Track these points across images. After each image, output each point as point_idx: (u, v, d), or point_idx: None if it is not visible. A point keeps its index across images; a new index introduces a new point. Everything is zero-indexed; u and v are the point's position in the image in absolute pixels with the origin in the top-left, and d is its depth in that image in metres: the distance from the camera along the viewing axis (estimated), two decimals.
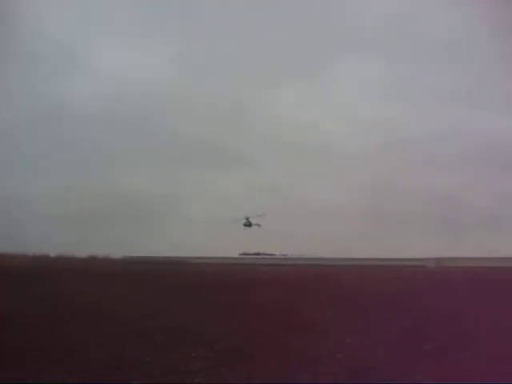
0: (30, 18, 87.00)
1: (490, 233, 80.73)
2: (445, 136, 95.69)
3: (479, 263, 55.91)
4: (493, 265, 53.47)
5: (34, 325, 11.51)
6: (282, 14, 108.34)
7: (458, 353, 8.92)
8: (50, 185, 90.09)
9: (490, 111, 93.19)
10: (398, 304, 17.33)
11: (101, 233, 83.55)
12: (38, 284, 24.14)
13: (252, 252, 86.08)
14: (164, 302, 16.64)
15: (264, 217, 73.11)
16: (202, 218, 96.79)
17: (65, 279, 28.21)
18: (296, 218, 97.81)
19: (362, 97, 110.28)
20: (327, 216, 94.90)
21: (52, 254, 64.78)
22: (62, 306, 15.23)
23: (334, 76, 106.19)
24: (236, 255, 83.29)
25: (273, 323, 12.27)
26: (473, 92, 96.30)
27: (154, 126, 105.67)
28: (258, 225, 74.63)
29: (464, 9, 77.79)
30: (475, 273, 41.16)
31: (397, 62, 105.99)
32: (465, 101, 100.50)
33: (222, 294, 20.66)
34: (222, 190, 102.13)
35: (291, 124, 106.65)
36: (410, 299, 19.13)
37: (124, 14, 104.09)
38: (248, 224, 75.08)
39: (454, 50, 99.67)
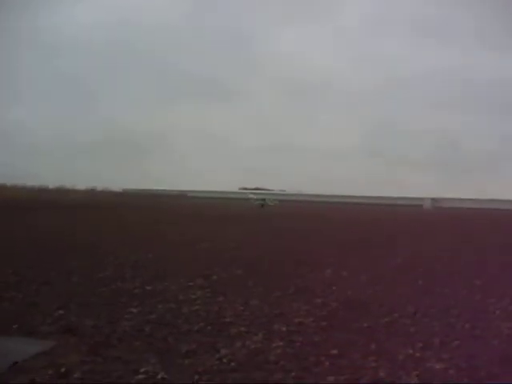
0: None
1: (488, 175, 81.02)
2: (445, 75, 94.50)
3: (475, 205, 56.38)
4: (488, 206, 53.91)
5: (27, 253, 11.66)
6: None
7: (448, 287, 9.14)
8: (49, 118, 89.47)
9: (492, 51, 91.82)
10: (394, 241, 17.61)
11: (100, 166, 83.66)
12: (35, 214, 24.33)
13: (251, 187, 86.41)
14: (161, 233, 16.83)
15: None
16: (201, 152, 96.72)
17: (63, 210, 28.37)
18: (295, 156, 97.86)
19: (363, 34, 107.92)
20: (326, 154, 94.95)
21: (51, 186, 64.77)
22: (58, 236, 15.38)
23: (335, 13, 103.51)
24: (235, 189, 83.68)
25: (268, 255, 12.46)
26: (474, 30, 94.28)
27: (153, 59, 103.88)
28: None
29: None
30: (469, 214, 41.55)
31: None
32: (467, 39, 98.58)
33: (218, 226, 20.92)
34: (221, 125, 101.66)
35: (292, 61, 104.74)
36: (406, 237, 19.44)
37: None
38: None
39: None
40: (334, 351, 5.44)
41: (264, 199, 57.98)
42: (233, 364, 5.01)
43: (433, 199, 65.01)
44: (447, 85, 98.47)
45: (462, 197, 62.97)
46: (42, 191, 47.20)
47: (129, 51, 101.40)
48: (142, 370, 4.77)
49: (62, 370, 4.69)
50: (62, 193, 48.21)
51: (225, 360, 5.11)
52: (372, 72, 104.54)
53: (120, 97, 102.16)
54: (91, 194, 54.92)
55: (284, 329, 6.25)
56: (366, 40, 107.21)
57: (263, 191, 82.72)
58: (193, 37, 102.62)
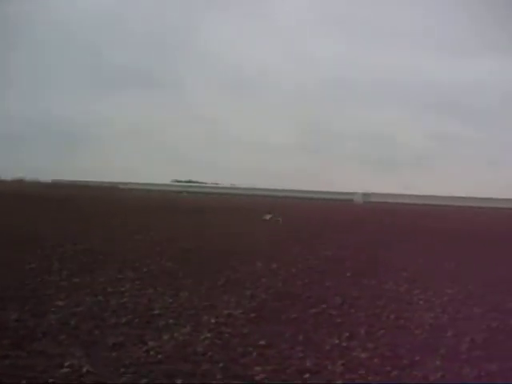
0: None
1: (418, 172, 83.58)
2: (383, 75, 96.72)
3: (405, 200, 57.97)
4: (417, 202, 55.54)
5: None
6: None
7: (375, 279, 9.40)
8: None
9: (428, 51, 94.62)
10: (323, 233, 17.90)
11: (29, 156, 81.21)
12: None
13: (184, 179, 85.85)
14: (90, 226, 16.49)
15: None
16: (134, 143, 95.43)
17: None
18: (230, 149, 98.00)
19: (301, 32, 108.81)
20: (261, 149, 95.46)
21: None
22: None
23: (274, 9, 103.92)
24: (168, 182, 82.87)
25: (200, 248, 12.43)
26: (415, 31, 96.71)
27: (83, 48, 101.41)
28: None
29: None
30: (398, 208, 42.73)
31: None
32: (406, 40, 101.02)
33: (150, 218, 20.68)
34: (154, 117, 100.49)
35: (228, 55, 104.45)
36: (335, 230, 19.79)
37: None
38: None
39: None
40: (262, 342, 5.50)
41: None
42: (160, 356, 4.98)
43: (364, 194, 66.31)
44: (384, 85, 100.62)
45: (393, 192, 64.63)
46: None
47: (61, 42, 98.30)
48: (67, 363, 4.68)
49: None
50: None
51: (152, 352, 5.07)
52: (308, 71, 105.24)
53: (53, 87, 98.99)
54: (18, 184, 53.34)
55: (213, 320, 6.26)
56: (302, 39, 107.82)
57: (196, 184, 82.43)
58: (127, 28, 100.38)
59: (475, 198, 57.32)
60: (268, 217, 23.56)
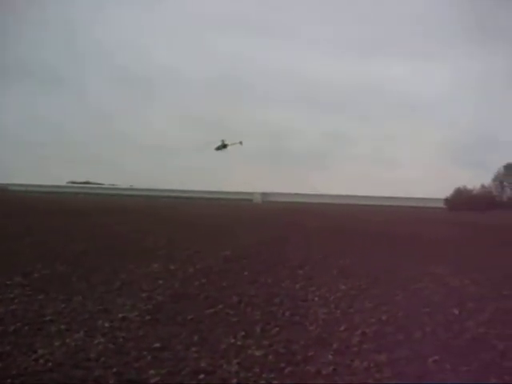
0: None
1: (317, 171, 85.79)
2: (280, 74, 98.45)
3: (301, 199, 59.42)
4: (313, 201, 57.10)
5: None
6: None
7: (272, 277, 9.58)
8: None
9: (326, 52, 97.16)
10: (221, 232, 18.00)
11: None
12: None
13: (80, 181, 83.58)
14: None
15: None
16: (29, 141, 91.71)
17: None
18: (126, 151, 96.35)
19: (198, 28, 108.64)
20: (160, 149, 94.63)
21: None
22: None
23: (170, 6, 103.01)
24: (63, 183, 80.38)
25: (96, 250, 12.11)
26: (314, 33, 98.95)
27: None
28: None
29: None
30: (295, 207, 43.72)
31: None
32: (304, 40, 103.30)
33: (43, 221, 19.93)
34: (48, 114, 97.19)
35: (125, 49, 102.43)
36: (233, 229, 19.95)
37: None
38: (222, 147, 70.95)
39: None
40: (157, 344, 5.45)
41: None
42: (50, 364, 4.82)
43: (263, 193, 67.34)
44: (281, 84, 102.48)
45: (290, 191, 65.97)
46: None
47: None
48: None
49: None
50: None
51: (41, 360, 4.91)
52: (206, 69, 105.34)
53: None
54: None
55: (107, 324, 6.13)
56: (200, 35, 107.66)
57: (93, 185, 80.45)
58: (27, 24, 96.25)
59: (371, 197, 59.80)
60: None
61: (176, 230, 18.49)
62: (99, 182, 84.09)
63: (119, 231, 17.11)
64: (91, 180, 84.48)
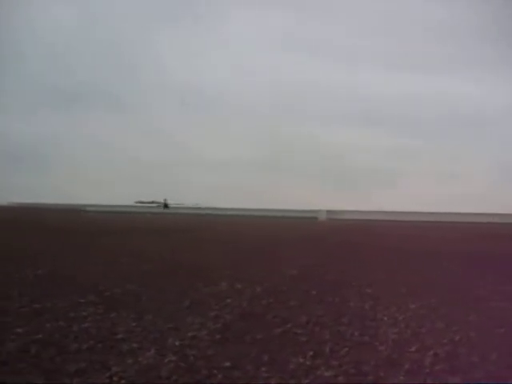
0: None
1: (379, 188, 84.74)
2: (342, 92, 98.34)
3: (366, 216, 58.67)
4: (379, 218, 56.29)
5: None
6: None
7: (339, 296, 9.47)
8: None
9: (387, 70, 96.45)
10: (288, 252, 17.95)
11: None
12: None
13: (147, 200, 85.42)
14: (50, 249, 16.22)
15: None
16: (96, 164, 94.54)
17: None
18: (190, 168, 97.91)
19: (250, 46, 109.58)
20: (222, 167, 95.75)
21: None
22: None
23: (223, 24, 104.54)
24: (131, 203, 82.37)
25: (163, 269, 12.34)
26: (361, 48, 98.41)
27: (32, 68, 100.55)
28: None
29: None
30: (361, 225, 43.18)
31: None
32: (351, 57, 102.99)
33: (112, 240, 20.46)
34: (111, 136, 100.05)
35: (182, 71, 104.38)
36: (299, 248, 19.87)
37: None
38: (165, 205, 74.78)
39: None
40: (227, 363, 5.46)
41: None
42: (123, 381, 4.91)
43: (328, 211, 66.85)
44: (335, 100, 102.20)
45: (355, 209, 65.37)
46: None
47: (13, 58, 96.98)
48: None
49: None
50: None
51: (115, 378, 5.00)
52: (263, 90, 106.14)
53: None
54: None
55: (177, 343, 6.21)
56: (252, 53, 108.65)
57: (160, 204, 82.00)
58: (81, 47, 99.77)
59: (436, 213, 58.41)
60: None
61: (241, 249, 18.60)
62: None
63: (182, 250, 17.34)
64: (157, 200, 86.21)
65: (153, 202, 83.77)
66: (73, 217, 49.88)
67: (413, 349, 6.25)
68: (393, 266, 14.11)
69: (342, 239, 25.66)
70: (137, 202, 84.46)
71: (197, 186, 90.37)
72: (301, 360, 5.64)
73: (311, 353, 5.90)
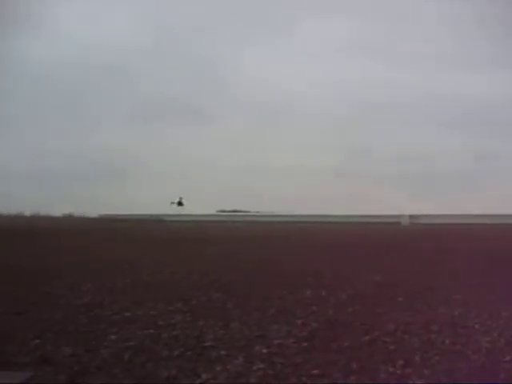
0: None
1: (462, 191, 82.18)
2: (413, 94, 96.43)
3: (451, 220, 57.01)
4: (463, 221, 54.55)
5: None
6: None
7: (427, 303, 9.24)
8: (22, 144, 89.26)
9: (464, 69, 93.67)
10: (373, 258, 17.69)
11: (76, 192, 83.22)
12: (13, 242, 24.03)
13: (228, 209, 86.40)
14: (136, 258, 16.68)
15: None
16: (174, 175, 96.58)
17: (40, 237, 28.04)
18: (267, 177, 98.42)
19: (328, 57, 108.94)
20: (299, 175, 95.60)
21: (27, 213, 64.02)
22: (32, 263, 15.15)
23: (300, 35, 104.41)
24: (213, 212, 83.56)
25: (248, 276, 12.44)
26: (449, 53, 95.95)
27: (120, 83, 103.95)
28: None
29: None
30: (447, 229, 41.97)
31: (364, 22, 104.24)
32: (434, 58, 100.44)
33: (197, 249, 20.83)
34: (194, 148, 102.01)
35: (259, 83, 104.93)
36: (384, 254, 19.54)
37: None
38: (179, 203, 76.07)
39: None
40: (316, 371, 5.43)
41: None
42: None
43: (410, 216, 65.46)
44: (414, 105, 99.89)
45: (439, 213, 63.70)
46: (18, 218, 46.76)
47: (98, 76, 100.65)
48: None
49: None
50: (37, 220, 47.87)
51: None
52: (336, 95, 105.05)
53: (89, 121, 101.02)
54: (68, 220, 54.57)
55: (265, 351, 6.23)
56: (328, 63, 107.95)
57: (241, 213, 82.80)
58: (163, 62, 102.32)
59: None
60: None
61: (322, 256, 18.49)
62: (246, 209, 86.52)
63: (266, 258, 17.43)
64: (238, 208, 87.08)
65: (235, 211, 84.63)
66: (155, 226, 51.18)
67: (507, 358, 5.99)
68: (482, 272, 13.64)
69: (427, 244, 25.03)
70: (218, 211, 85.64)
71: (275, 193, 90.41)
72: (391, 369, 5.52)
73: (401, 361, 5.76)
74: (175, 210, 76.73)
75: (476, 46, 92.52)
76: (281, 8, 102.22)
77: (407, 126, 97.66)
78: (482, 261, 16.63)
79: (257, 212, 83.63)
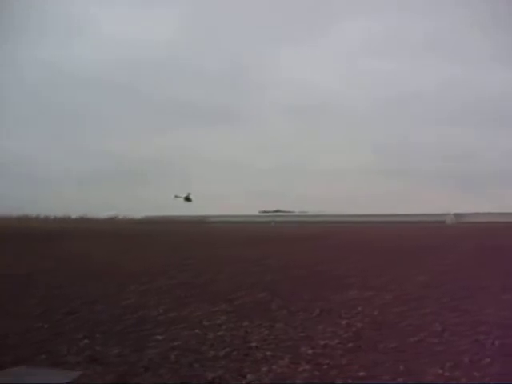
0: None
1: (507, 188, 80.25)
2: (454, 91, 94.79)
3: (497, 218, 55.82)
4: (509, 220, 53.33)
5: (51, 282, 11.71)
6: None
7: (475, 304, 9.03)
8: (69, 148, 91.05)
9: (499, 63, 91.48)
10: (419, 258, 17.45)
11: (121, 194, 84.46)
12: (59, 244, 24.52)
13: (272, 210, 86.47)
14: (181, 259, 16.81)
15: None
16: (217, 178, 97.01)
17: (86, 239, 28.55)
18: (309, 178, 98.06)
19: (363, 53, 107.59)
20: (340, 175, 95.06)
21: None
22: (80, 265, 15.43)
23: (334, 34, 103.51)
24: (256, 213, 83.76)
25: (290, 278, 12.42)
26: (480, 45, 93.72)
27: (155, 87, 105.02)
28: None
29: None
30: (493, 227, 41.10)
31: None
32: (470, 54, 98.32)
33: (239, 250, 20.88)
34: (230, 150, 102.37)
35: (293, 83, 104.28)
36: (430, 253, 19.24)
37: None
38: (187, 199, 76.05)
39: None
40: (362, 373, 5.38)
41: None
42: None
43: (455, 214, 64.45)
44: (456, 99, 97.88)
45: (484, 211, 62.47)
46: (63, 221, 47.64)
47: (126, 81, 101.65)
48: None
49: None
50: (83, 222, 48.71)
51: None
52: (374, 91, 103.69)
53: (123, 126, 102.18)
54: (112, 222, 55.33)
55: (310, 351, 6.20)
56: (363, 60, 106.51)
57: (283, 213, 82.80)
58: (192, 65, 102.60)
59: None
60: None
61: (366, 256, 18.33)
62: (288, 209, 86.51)
63: (309, 258, 17.37)
64: (281, 208, 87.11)
65: (277, 211, 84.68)
66: (199, 228, 51.56)
67: None
68: None
69: (473, 243, 24.52)
70: (261, 212, 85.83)
71: (321, 193, 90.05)
72: (439, 371, 5.42)
73: (450, 363, 5.65)
74: (183, 204, 76.73)
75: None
76: (318, 8, 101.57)
77: (454, 124, 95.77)
78: None
79: (302, 212, 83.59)
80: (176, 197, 75.56)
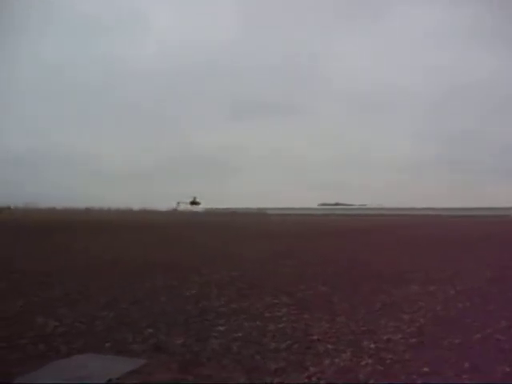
0: None
1: None
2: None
3: None
4: None
5: (116, 273, 11.99)
6: None
7: None
8: (122, 145, 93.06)
9: None
10: (484, 252, 17.03)
11: (183, 186, 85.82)
12: (122, 235, 25.10)
13: (331, 202, 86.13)
14: (242, 252, 16.92)
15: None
16: (275, 170, 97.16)
17: (145, 230, 29.08)
18: (371, 170, 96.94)
19: (426, 45, 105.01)
20: (402, 167, 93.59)
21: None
22: (142, 255, 15.73)
23: (394, 24, 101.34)
24: (315, 205, 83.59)
25: (350, 271, 12.33)
26: None
27: (220, 80, 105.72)
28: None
29: None
30: None
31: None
32: None
33: (300, 242, 20.88)
34: (293, 141, 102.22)
35: (356, 75, 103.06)
36: (496, 248, 18.76)
37: None
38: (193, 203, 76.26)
39: None
40: (426, 369, 5.30)
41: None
42: (322, 382, 4.98)
43: None
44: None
45: None
46: (126, 213, 48.77)
47: (196, 77, 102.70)
48: None
49: None
50: (144, 214, 49.75)
51: (314, 378, 5.08)
52: (439, 82, 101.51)
53: (189, 121, 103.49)
54: (172, 213, 56.30)
55: (372, 346, 6.16)
56: (427, 51, 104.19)
57: (343, 206, 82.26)
58: (257, 58, 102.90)
59: None
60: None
61: (428, 249, 18.02)
62: (348, 203, 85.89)
63: (369, 251, 17.21)
64: (341, 201, 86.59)
65: (337, 204, 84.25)
66: (257, 220, 51.76)
67: None
68: None
69: None
70: (320, 205, 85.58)
71: (381, 186, 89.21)
72: (507, 369, 5.29)
73: None
74: (189, 207, 77.38)
75: None
76: None
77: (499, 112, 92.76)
78: None
79: (362, 205, 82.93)
80: (179, 203, 76.50)
